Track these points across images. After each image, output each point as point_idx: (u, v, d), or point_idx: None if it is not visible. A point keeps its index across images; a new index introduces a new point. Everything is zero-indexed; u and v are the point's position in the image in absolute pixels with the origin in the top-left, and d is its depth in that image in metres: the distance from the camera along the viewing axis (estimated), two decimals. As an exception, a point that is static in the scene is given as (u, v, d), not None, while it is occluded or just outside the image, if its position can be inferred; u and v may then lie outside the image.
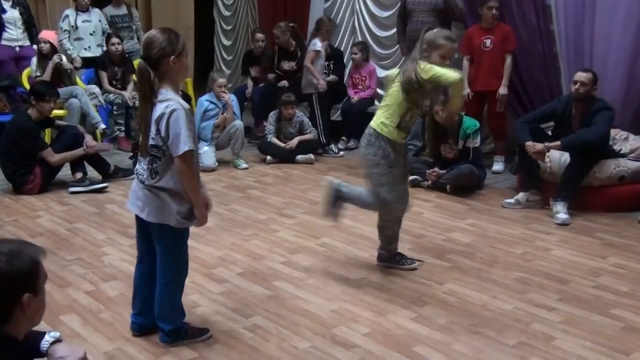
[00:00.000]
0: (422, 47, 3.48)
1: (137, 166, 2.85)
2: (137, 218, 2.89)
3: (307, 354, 2.89)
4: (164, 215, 2.76)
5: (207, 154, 6.16)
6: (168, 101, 2.66)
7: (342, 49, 7.64)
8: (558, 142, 4.72)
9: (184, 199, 2.75)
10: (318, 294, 3.48)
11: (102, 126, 6.51)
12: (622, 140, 5.17)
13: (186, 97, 7.36)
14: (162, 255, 2.85)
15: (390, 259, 3.84)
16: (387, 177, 3.54)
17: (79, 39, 7.35)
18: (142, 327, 3.01)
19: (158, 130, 2.67)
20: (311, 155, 6.46)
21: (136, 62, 8.00)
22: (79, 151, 5.45)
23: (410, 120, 3.59)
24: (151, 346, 2.94)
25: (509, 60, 5.85)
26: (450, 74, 3.36)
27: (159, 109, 2.66)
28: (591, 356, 2.85)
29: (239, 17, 9.20)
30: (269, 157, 6.47)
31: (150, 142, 2.71)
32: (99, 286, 3.58)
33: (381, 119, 3.56)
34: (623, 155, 4.97)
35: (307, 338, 3.01)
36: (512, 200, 4.99)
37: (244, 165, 6.26)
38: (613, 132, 5.07)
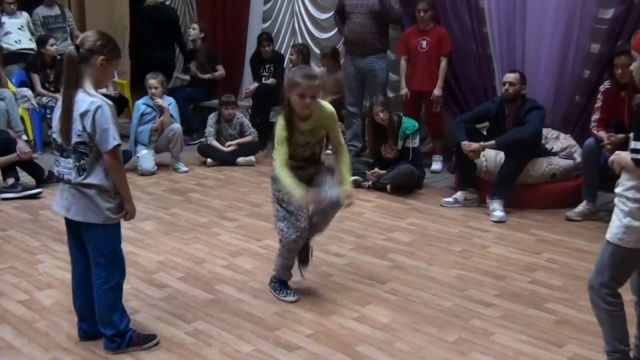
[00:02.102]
0: (285, 86, 3.32)
1: (57, 167, 2.79)
2: (66, 219, 2.84)
3: (250, 357, 2.88)
4: (93, 214, 2.73)
5: (146, 158, 6.05)
6: (93, 97, 2.67)
7: (282, 51, 7.64)
8: (493, 142, 4.85)
9: (111, 195, 2.75)
10: (260, 297, 3.47)
11: (24, 137, 6.30)
12: (554, 139, 5.35)
13: (123, 100, 7.26)
14: (94, 255, 2.81)
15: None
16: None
17: (7, 33, 7.14)
18: (88, 333, 2.96)
19: (83, 127, 2.66)
20: (252, 158, 6.43)
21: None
22: (11, 157, 5.27)
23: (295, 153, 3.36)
24: (89, 355, 2.87)
25: (443, 62, 5.97)
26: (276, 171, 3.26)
27: (83, 104, 2.65)
28: (527, 349, 2.94)
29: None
30: (209, 160, 6.40)
31: (76, 139, 2.69)
32: (34, 295, 3.47)
33: None
34: (554, 154, 5.15)
35: (249, 341, 3.00)
36: (450, 199, 5.09)
37: (184, 169, 6.18)
38: (545, 131, 5.24)
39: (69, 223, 2.84)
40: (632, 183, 2.38)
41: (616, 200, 2.47)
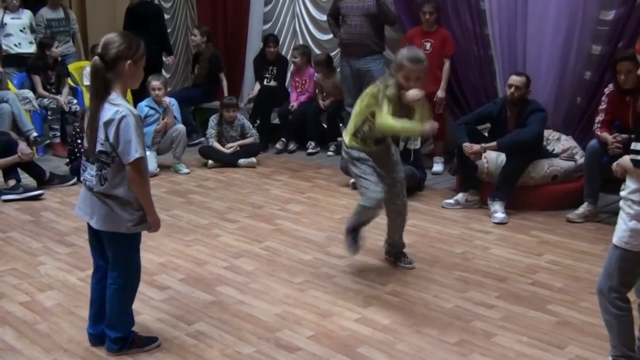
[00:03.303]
0: (392, 65, 3.51)
1: (84, 173, 2.78)
2: (88, 224, 2.84)
3: (251, 359, 2.87)
4: (114, 223, 2.72)
5: (148, 159, 6.01)
6: (118, 106, 2.61)
7: (283, 52, 7.65)
8: (494, 143, 4.85)
9: (134, 207, 2.72)
10: (262, 298, 3.47)
11: (34, 134, 6.31)
12: (555, 140, 5.35)
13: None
14: (113, 261, 2.81)
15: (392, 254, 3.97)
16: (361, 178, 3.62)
17: (7, 35, 7.13)
18: (102, 337, 2.92)
19: (107, 136, 2.62)
20: (253, 159, 6.44)
21: (72, 66, 7.81)
22: (13, 158, 5.27)
23: (369, 131, 3.58)
24: (90, 356, 2.87)
25: (447, 64, 5.98)
26: (386, 122, 3.36)
27: (108, 113, 2.61)
28: (528, 351, 2.94)
29: (177, 19, 9.08)
30: (210, 162, 6.41)
31: (99, 147, 2.65)
32: (35, 297, 3.47)
33: (346, 129, 3.70)
34: (556, 155, 5.14)
35: (251, 343, 3.00)
36: (451, 201, 5.09)
37: (185, 170, 6.18)
38: (546, 132, 5.24)
39: (91, 228, 2.82)
40: (637, 186, 2.37)
41: (621, 203, 2.46)
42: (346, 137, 3.70)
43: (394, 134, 3.59)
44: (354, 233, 3.68)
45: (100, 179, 2.68)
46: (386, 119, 3.35)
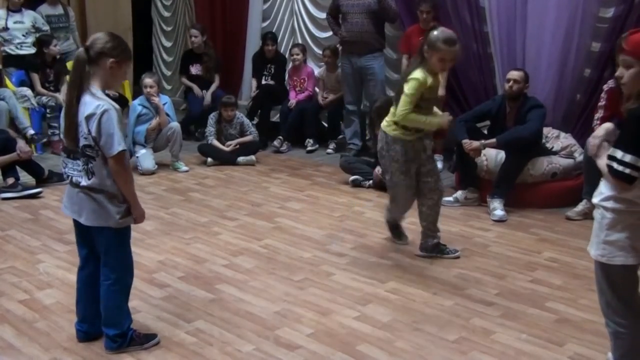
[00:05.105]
0: (424, 47, 3.56)
1: (65, 169, 2.78)
2: (76, 222, 2.84)
3: (250, 357, 2.88)
4: (103, 218, 2.73)
5: (146, 157, 6.03)
6: (99, 100, 2.64)
7: (281, 50, 7.63)
8: (493, 140, 4.84)
9: (119, 200, 2.74)
10: (261, 296, 3.47)
11: (31, 132, 6.28)
12: (554, 138, 5.34)
13: (123, 100, 7.24)
14: (105, 257, 2.82)
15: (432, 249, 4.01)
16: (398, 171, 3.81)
17: (10, 39, 7.10)
18: (88, 334, 2.96)
19: (89, 130, 2.64)
20: (252, 157, 6.43)
21: (71, 64, 7.79)
22: (11, 156, 5.26)
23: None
24: (90, 354, 2.87)
25: None
26: (408, 117, 3.60)
27: (89, 107, 2.63)
28: (528, 348, 2.94)
29: (177, 18, 9.07)
30: (209, 159, 6.40)
31: (84, 142, 2.67)
32: (34, 295, 3.47)
33: (388, 118, 3.78)
34: (555, 153, 5.14)
35: (250, 341, 3.00)
36: (450, 199, 5.08)
37: (184, 168, 6.17)
38: (545, 130, 5.24)
39: (79, 226, 2.83)
40: (611, 193, 2.26)
41: (594, 212, 2.32)
42: (387, 127, 3.78)
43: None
44: (395, 229, 4.16)
45: (87, 173, 2.70)
46: (409, 112, 3.58)
